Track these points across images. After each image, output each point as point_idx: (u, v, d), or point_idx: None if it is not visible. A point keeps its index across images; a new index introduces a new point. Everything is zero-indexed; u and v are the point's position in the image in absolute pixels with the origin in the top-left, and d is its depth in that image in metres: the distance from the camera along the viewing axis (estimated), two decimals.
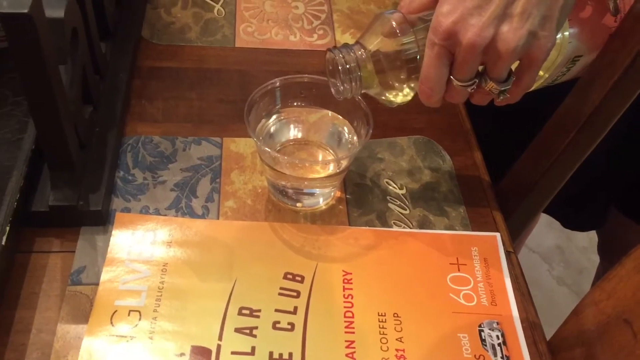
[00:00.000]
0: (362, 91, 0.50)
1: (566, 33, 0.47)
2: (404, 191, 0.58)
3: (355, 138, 0.55)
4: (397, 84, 0.49)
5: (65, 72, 0.48)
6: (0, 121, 0.56)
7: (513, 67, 0.44)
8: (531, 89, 0.47)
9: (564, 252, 1.62)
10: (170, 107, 0.63)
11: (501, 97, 0.45)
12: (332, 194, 0.56)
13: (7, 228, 0.47)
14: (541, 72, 0.47)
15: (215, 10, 0.74)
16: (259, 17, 0.74)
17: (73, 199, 0.50)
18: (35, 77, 0.43)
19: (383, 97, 0.50)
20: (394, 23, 0.48)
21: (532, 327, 0.50)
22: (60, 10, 0.46)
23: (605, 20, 0.48)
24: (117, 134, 0.57)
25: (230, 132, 0.61)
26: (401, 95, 0.49)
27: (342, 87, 0.49)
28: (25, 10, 0.39)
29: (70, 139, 0.49)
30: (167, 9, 0.73)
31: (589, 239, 1.60)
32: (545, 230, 1.62)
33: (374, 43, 0.49)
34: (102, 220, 0.52)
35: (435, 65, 0.45)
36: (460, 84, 0.45)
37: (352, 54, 0.49)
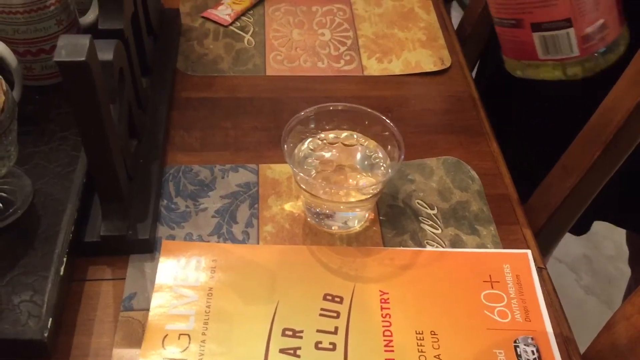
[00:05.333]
0: None
1: None
2: (435, 211, 0.60)
3: (387, 162, 0.57)
4: None
5: (114, 110, 0.51)
6: (50, 155, 0.59)
7: None
8: None
9: (592, 261, 1.62)
10: (207, 136, 0.66)
11: None
12: (367, 215, 0.58)
13: (65, 259, 0.50)
14: None
15: (246, 40, 0.77)
16: (287, 46, 0.77)
17: (123, 228, 0.53)
18: (89, 117, 0.46)
19: None
20: None
21: (566, 341, 0.52)
22: (110, 53, 0.49)
23: None
24: (159, 165, 0.60)
25: (266, 159, 0.64)
26: None
27: None
28: (83, 58, 0.42)
29: (120, 172, 0.52)
30: (199, 40, 0.76)
31: (616, 247, 1.60)
32: (571, 239, 1.62)
33: None
34: (150, 248, 0.55)
35: None
36: None
37: None
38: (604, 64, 0.50)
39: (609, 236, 1.62)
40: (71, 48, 0.42)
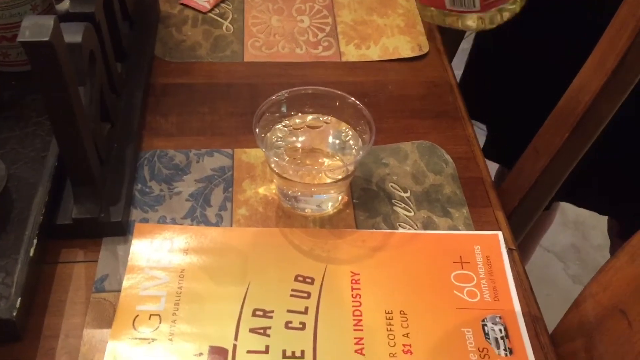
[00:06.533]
0: None
1: None
2: (408, 194, 0.60)
3: (359, 144, 0.57)
4: None
5: (85, 93, 0.51)
6: (24, 140, 0.60)
7: None
8: None
9: (579, 251, 1.62)
10: (183, 122, 0.66)
11: None
12: (340, 198, 0.59)
13: (35, 241, 0.50)
14: None
15: (224, 27, 0.77)
16: (266, 32, 0.77)
17: (95, 211, 0.53)
18: (57, 99, 0.46)
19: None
20: None
21: (534, 320, 0.52)
22: (78, 35, 0.49)
23: None
24: (134, 149, 0.60)
25: (241, 144, 0.64)
26: None
27: None
28: (46, 38, 0.42)
29: (91, 155, 0.52)
30: (178, 27, 0.77)
31: (604, 236, 1.60)
32: (560, 229, 1.63)
33: None
34: (123, 231, 0.55)
35: None
36: None
37: None
38: (499, 20, 0.53)
39: (597, 226, 1.62)
40: (35, 28, 0.43)
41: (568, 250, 1.63)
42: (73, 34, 0.49)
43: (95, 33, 0.54)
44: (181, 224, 0.57)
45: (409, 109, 0.70)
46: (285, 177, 0.55)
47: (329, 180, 0.56)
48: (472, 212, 0.59)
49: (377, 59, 0.74)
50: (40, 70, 0.44)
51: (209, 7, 0.79)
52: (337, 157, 0.58)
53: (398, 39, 0.77)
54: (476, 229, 0.58)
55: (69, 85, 0.46)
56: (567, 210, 1.63)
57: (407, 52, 0.75)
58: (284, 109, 0.58)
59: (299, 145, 0.58)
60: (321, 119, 0.59)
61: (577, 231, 1.66)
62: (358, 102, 0.56)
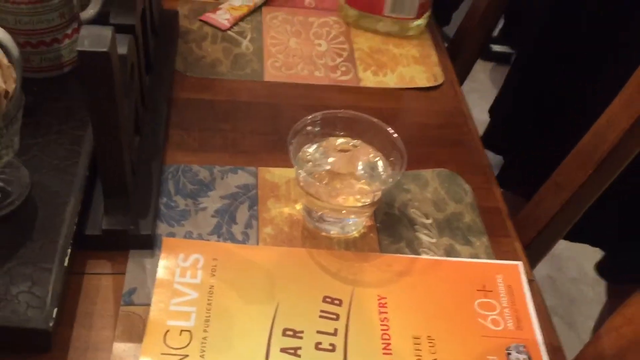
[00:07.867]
0: None
1: None
2: (430, 221, 0.61)
3: (388, 170, 0.58)
4: None
5: (126, 105, 0.51)
6: (46, 148, 0.59)
7: None
8: None
9: (555, 282, 1.66)
10: (206, 137, 0.66)
11: None
12: (364, 222, 0.59)
13: (69, 250, 0.49)
14: None
15: (243, 46, 0.78)
16: (284, 53, 0.78)
17: (125, 223, 0.53)
18: (105, 109, 0.46)
19: None
20: None
21: (555, 351, 0.53)
22: (124, 47, 0.49)
23: None
24: (159, 163, 0.60)
25: (264, 162, 0.64)
26: None
27: None
28: (105, 49, 0.42)
29: (127, 167, 0.52)
30: (197, 43, 0.77)
31: (579, 269, 1.65)
32: None
33: None
34: (150, 244, 0.54)
35: None
36: None
37: None
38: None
39: (572, 258, 1.66)
40: (94, 38, 0.43)
41: (543, 281, 1.66)
42: (120, 46, 0.49)
43: (135, 45, 0.54)
44: (208, 240, 0.56)
45: (426, 136, 0.71)
46: (315, 197, 0.56)
47: (358, 204, 0.57)
48: (492, 242, 0.61)
49: (394, 87, 0.76)
50: (94, 80, 0.44)
51: (228, 25, 0.79)
52: (365, 182, 0.59)
53: (414, 69, 0.78)
54: (496, 258, 0.59)
55: (117, 96, 0.46)
56: None
57: (422, 81, 0.77)
58: (317, 129, 0.58)
59: (328, 167, 0.59)
60: (351, 143, 0.60)
61: (553, 263, 1.69)
62: (392, 131, 0.57)
